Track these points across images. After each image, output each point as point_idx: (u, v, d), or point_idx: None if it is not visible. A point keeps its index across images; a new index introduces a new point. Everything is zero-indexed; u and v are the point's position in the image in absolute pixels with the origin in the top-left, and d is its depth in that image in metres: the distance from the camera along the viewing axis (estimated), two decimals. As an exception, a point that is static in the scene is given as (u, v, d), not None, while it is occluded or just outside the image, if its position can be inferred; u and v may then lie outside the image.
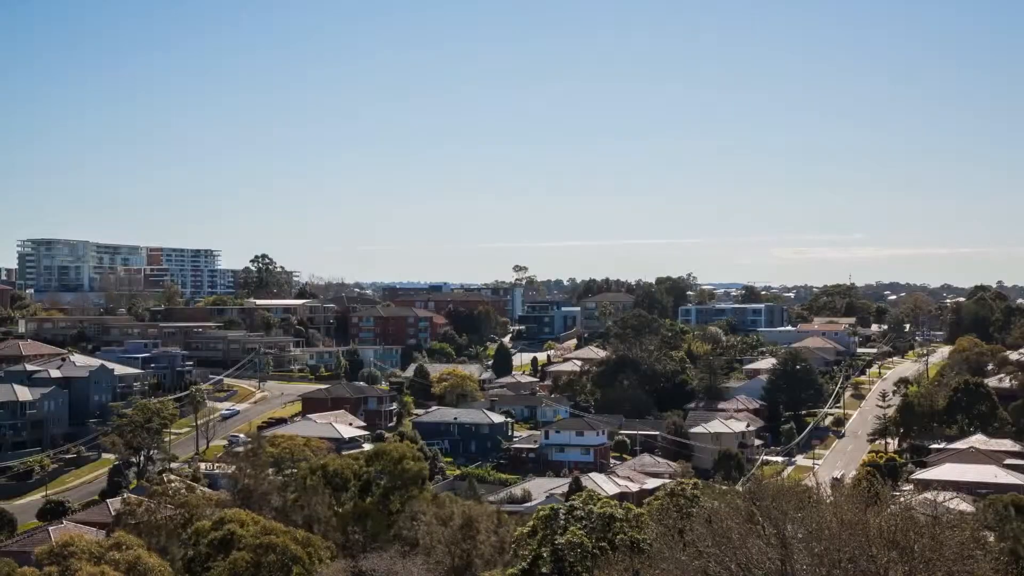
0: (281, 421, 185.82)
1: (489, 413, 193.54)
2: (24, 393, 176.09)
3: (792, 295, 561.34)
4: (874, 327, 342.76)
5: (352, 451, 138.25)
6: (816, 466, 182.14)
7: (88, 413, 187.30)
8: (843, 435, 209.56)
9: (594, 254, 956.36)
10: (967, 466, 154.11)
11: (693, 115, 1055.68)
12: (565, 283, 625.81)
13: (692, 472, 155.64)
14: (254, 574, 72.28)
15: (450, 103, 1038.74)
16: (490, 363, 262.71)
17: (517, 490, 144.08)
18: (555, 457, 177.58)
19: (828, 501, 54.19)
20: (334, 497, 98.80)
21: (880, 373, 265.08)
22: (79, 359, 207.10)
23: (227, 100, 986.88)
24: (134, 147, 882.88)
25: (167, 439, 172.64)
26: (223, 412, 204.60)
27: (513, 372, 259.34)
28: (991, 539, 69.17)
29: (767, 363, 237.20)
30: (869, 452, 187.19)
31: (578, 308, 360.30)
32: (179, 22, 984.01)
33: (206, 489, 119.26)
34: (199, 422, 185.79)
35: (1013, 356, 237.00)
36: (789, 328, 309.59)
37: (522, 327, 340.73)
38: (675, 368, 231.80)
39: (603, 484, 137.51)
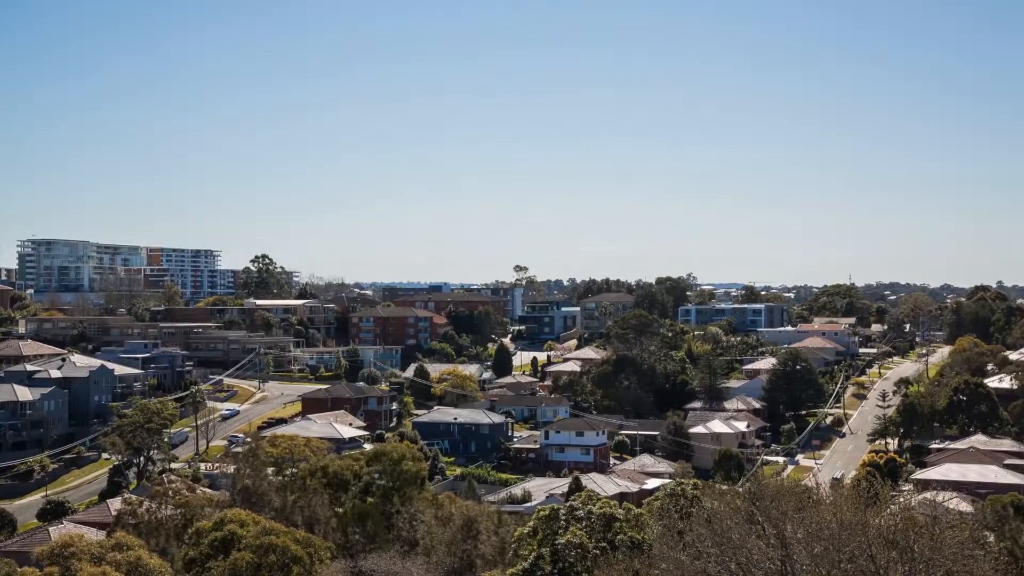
0: (281, 421, 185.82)
1: (489, 413, 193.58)
2: (24, 393, 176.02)
3: (792, 295, 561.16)
4: (874, 327, 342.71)
5: (352, 451, 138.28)
6: (817, 466, 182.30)
7: (88, 413, 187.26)
8: (844, 435, 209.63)
9: (594, 254, 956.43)
10: (967, 466, 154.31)
11: (694, 118, 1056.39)
12: (565, 283, 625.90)
13: (692, 472, 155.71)
14: (255, 574, 72.27)
15: (451, 104, 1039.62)
16: (490, 363, 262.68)
17: (517, 490, 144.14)
18: (555, 457, 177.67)
19: (828, 501, 54.20)
20: (334, 498, 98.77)
21: (880, 373, 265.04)
22: (79, 359, 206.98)
23: (227, 100, 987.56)
24: (134, 147, 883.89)
25: (167, 439, 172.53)
26: (223, 412, 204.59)
27: (513, 372, 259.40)
28: (991, 539, 69.17)
29: (767, 363, 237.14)
30: (869, 452, 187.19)
31: (578, 308, 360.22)
32: (179, 22, 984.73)
33: (206, 489, 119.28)
34: (199, 422, 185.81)
35: (1013, 356, 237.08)
36: (789, 328, 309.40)
37: (522, 327, 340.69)
38: (675, 368, 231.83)
39: (603, 484, 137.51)
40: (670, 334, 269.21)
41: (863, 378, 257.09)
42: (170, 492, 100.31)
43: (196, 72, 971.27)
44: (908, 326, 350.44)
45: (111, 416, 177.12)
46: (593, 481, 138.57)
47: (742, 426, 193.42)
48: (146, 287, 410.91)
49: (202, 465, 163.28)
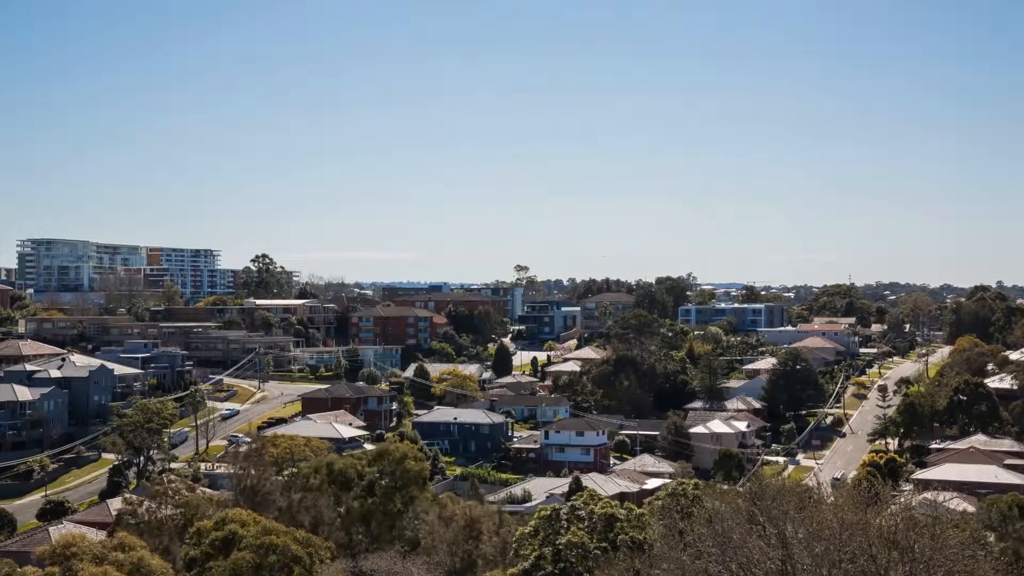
0: (281, 421, 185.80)
1: (489, 413, 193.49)
2: (24, 393, 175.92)
3: (792, 295, 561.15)
4: (874, 327, 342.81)
5: (354, 451, 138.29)
6: (817, 466, 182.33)
7: (88, 413, 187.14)
8: (844, 435, 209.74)
9: (594, 254, 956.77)
10: (967, 466, 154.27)
11: (694, 119, 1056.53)
12: (565, 283, 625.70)
13: (692, 472, 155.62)
14: (255, 574, 72.30)
15: (452, 105, 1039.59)
16: (490, 363, 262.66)
17: (517, 490, 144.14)
18: (555, 457, 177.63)
19: (828, 501, 54.25)
20: (336, 497, 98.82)
21: (880, 373, 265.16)
22: (79, 359, 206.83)
23: (227, 100, 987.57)
24: (135, 147, 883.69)
25: (166, 439, 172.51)
26: (223, 412, 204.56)
27: (513, 372, 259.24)
28: (991, 539, 69.20)
29: (767, 363, 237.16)
30: (869, 452, 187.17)
31: (578, 308, 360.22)
32: (180, 22, 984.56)
33: (206, 489, 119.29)
34: (199, 422, 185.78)
35: (1013, 356, 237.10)
36: (789, 328, 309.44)
37: (522, 327, 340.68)
38: (675, 368, 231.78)
39: (603, 484, 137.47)
40: (670, 334, 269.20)
41: (863, 378, 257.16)
42: (170, 492, 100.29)
43: (196, 72, 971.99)
44: (908, 326, 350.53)
45: (111, 416, 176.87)
46: (593, 481, 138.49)
47: (742, 426, 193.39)
48: (146, 287, 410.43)
49: (202, 465, 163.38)
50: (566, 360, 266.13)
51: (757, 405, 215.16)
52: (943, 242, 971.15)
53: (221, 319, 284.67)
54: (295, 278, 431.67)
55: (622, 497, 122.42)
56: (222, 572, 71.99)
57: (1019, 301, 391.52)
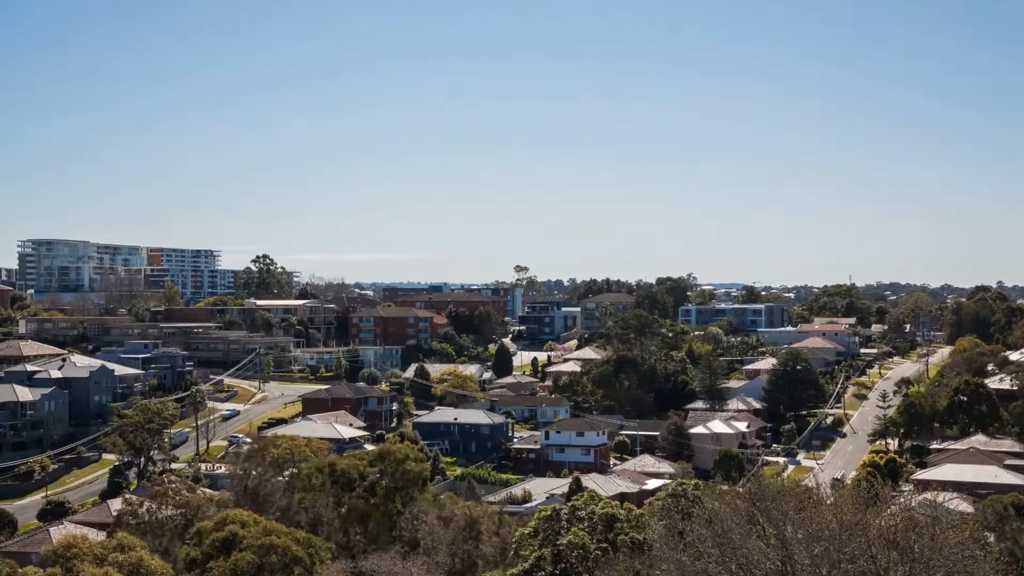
0: (281, 422, 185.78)
1: (489, 413, 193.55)
2: (24, 393, 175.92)
3: (792, 295, 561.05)
4: (875, 327, 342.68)
5: (354, 451, 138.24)
6: (818, 466, 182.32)
7: (88, 414, 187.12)
8: (844, 435, 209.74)
9: (594, 254, 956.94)
10: (967, 466, 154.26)
11: (695, 120, 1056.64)
12: (565, 283, 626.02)
13: (692, 473, 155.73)
14: (256, 575, 72.34)
15: (451, 106, 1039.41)
16: (490, 363, 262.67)
17: (517, 491, 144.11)
18: (555, 457, 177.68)
19: (828, 502, 54.33)
20: (337, 498, 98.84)
21: (881, 373, 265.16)
22: (79, 359, 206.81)
23: (228, 100, 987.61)
24: (134, 147, 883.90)
25: (167, 440, 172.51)
26: (223, 413, 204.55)
27: (513, 372, 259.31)
28: (991, 539, 69.23)
29: (767, 363, 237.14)
30: (870, 452, 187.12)
31: (578, 308, 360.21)
32: (180, 22, 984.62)
33: (207, 490, 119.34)
34: (199, 423, 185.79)
35: (1013, 356, 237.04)
36: (789, 328, 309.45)
37: (522, 327, 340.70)
38: (676, 368, 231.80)
39: (603, 485, 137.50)
40: (670, 334, 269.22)
41: (863, 378, 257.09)
42: (171, 492, 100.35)
43: (196, 72, 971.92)
44: (908, 326, 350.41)
45: (111, 416, 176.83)
46: (593, 481, 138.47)
47: (742, 426, 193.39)
48: (146, 287, 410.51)
49: (203, 465, 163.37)
50: (566, 360, 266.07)
51: (757, 405, 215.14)
52: (943, 242, 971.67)
53: (221, 319, 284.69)
54: (295, 279, 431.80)
55: (622, 497, 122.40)
56: (222, 572, 72.02)
57: (1019, 301, 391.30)
